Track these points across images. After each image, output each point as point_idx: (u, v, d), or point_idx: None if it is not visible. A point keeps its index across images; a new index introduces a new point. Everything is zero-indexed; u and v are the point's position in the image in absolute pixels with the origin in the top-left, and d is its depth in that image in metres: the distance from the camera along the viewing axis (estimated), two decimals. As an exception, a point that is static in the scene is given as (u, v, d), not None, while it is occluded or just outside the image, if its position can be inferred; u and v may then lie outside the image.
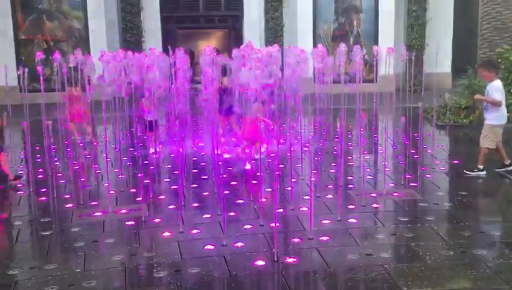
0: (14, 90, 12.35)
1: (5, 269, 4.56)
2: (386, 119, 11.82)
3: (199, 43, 23.41)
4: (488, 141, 7.21)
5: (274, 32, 17.72)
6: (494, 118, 7.18)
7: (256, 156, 8.22)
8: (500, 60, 12.17)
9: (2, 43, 15.99)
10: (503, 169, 7.36)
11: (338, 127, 10.46)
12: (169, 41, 18.17)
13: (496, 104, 7.11)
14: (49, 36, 16.68)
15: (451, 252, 4.73)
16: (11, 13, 16.18)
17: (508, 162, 7.37)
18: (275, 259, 4.58)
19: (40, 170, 7.79)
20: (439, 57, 18.19)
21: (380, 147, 9.38)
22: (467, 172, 7.30)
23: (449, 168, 7.95)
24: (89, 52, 13.65)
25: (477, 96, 7.80)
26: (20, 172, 7.78)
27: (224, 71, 9.16)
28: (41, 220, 5.79)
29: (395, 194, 6.50)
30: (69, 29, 16.81)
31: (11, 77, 11.27)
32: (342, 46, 9.87)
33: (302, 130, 9.46)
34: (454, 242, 4.95)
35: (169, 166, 8.21)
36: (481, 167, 7.23)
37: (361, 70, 10.42)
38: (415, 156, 8.18)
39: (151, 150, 8.86)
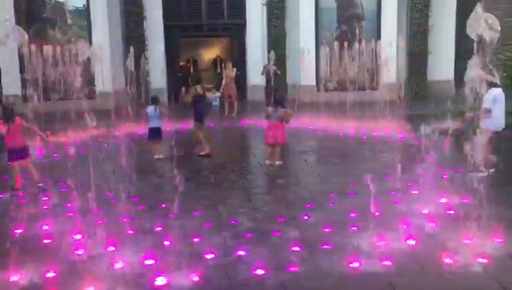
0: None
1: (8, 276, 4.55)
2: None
3: (202, 51, 23.54)
4: None
5: (276, 40, 17.78)
6: None
7: (278, 162, 8.43)
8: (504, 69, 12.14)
9: (7, 52, 16.04)
10: None
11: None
12: (172, 50, 18.34)
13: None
14: (52, 45, 16.74)
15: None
16: (14, 22, 16.25)
17: None
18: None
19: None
20: (442, 64, 18.32)
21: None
22: None
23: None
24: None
25: None
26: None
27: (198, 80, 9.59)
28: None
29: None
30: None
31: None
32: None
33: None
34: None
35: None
36: None
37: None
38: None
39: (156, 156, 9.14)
